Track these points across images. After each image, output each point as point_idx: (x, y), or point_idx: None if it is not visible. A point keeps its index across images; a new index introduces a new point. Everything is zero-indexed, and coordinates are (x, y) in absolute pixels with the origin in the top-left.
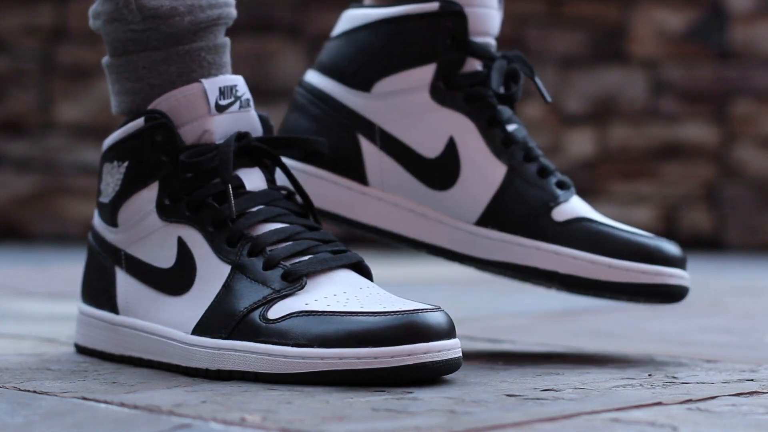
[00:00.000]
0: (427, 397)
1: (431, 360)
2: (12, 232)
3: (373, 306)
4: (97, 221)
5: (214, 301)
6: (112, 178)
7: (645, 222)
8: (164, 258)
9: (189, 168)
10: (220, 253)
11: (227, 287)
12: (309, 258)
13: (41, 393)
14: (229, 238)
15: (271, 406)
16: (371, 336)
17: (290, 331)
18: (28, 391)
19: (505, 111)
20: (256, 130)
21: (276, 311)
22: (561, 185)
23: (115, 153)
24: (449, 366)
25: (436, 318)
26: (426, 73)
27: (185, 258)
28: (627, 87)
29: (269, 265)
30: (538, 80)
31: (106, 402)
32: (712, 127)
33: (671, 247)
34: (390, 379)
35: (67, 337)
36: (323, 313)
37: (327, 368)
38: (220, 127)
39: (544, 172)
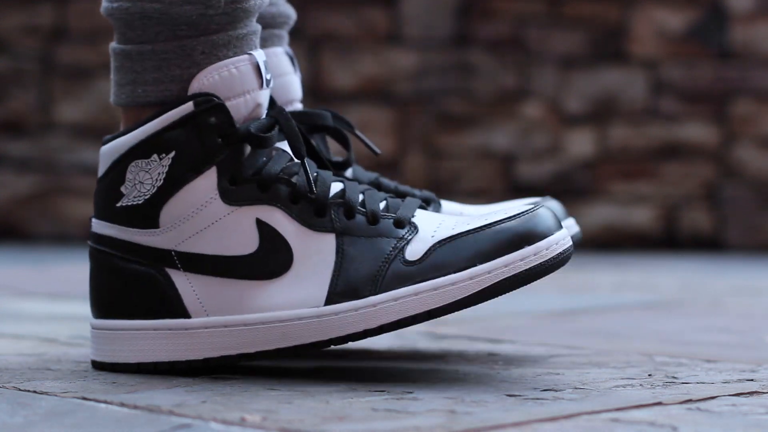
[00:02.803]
0: (427, 397)
1: (568, 245)
2: (12, 232)
3: (493, 217)
4: (115, 229)
5: (335, 270)
6: (148, 174)
7: (645, 222)
8: (242, 244)
9: (257, 143)
10: (313, 225)
11: (344, 253)
12: (395, 204)
13: (41, 393)
14: (317, 209)
15: (271, 406)
16: (522, 237)
17: (444, 261)
18: (28, 391)
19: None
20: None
21: (413, 252)
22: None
23: (151, 146)
24: (573, 247)
25: (552, 208)
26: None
27: (272, 238)
28: (627, 87)
29: (375, 220)
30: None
31: (106, 402)
32: (712, 127)
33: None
34: (549, 271)
35: (67, 337)
36: (460, 235)
37: (496, 280)
38: (265, 101)
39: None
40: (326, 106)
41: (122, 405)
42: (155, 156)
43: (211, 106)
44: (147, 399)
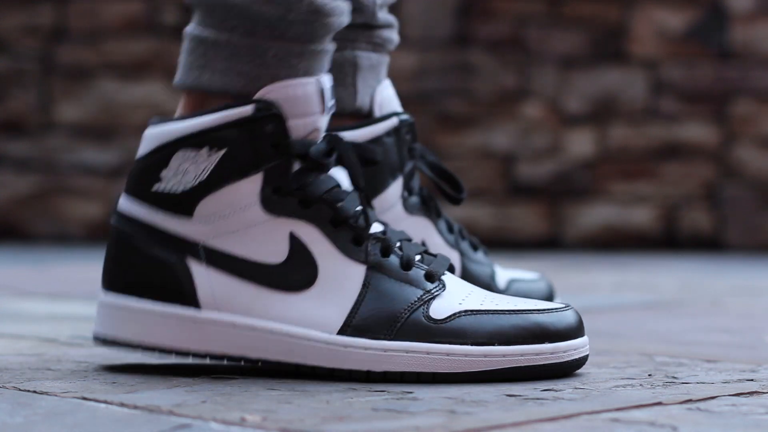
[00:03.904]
0: (427, 397)
1: (585, 353)
2: (12, 232)
3: (522, 305)
4: (144, 210)
5: (357, 301)
6: (193, 165)
7: (645, 222)
8: (270, 253)
9: (315, 167)
10: (348, 252)
11: (370, 287)
12: (429, 259)
13: (41, 393)
14: (355, 238)
15: (271, 406)
16: (546, 333)
17: (465, 330)
18: (28, 391)
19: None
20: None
21: (438, 311)
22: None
23: (203, 139)
24: (587, 357)
25: (577, 315)
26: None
27: (301, 254)
28: (627, 87)
29: (408, 266)
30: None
31: (106, 402)
32: (712, 127)
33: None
34: (559, 373)
35: (67, 337)
36: (486, 312)
37: (508, 365)
38: (323, 127)
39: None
40: None
41: (122, 405)
42: (205, 150)
43: (270, 114)
44: (147, 399)
